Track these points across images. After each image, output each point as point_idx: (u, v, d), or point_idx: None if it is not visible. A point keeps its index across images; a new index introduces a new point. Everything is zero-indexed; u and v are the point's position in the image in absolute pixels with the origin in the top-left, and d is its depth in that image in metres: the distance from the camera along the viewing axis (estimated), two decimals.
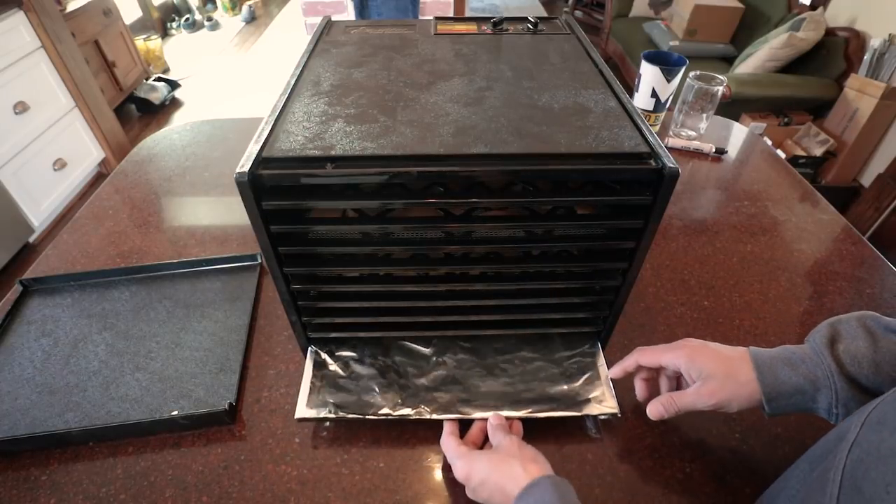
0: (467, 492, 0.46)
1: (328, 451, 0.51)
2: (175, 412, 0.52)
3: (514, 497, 0.40)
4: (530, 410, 0.52)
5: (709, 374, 0.45)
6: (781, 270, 0.72)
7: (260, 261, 0.71)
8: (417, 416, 0.52)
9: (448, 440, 0.48)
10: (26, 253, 1.91)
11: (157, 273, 0.70)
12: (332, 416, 0.51)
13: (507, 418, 0.51)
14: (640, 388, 0.52)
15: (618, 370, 0.52)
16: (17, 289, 0.67)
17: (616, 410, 0.51)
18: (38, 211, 1.94)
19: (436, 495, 0.48)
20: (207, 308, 0.65)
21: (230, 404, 0.52)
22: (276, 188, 0.41)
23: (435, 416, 0.51)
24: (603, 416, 0.52)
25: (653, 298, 0.67)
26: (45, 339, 0.61)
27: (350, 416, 0.51)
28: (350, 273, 0.52)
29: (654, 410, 0.47)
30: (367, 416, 0.51)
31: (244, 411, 0.54)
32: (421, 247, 0.47)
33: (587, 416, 0.52)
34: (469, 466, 0.45)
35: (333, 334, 0.56)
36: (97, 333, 0.62)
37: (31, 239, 1.95)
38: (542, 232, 0.49)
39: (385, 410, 0.52)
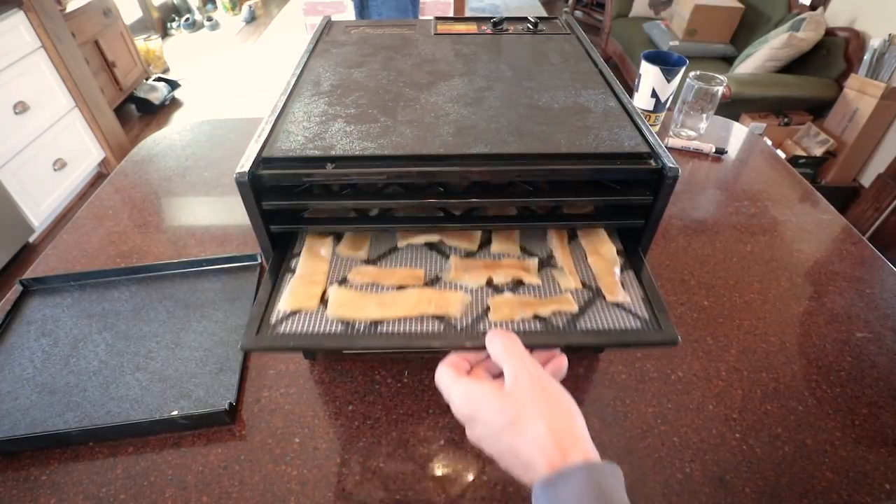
0: (468, 433, 0.33)
1: (328, 451, 0.51)
2: (175, 412, 0.52)
3: (538, 481, 0.29)
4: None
5: None
6: (781, 270, 0.72)
7: (260, 261, 0.71)
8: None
9: (443, 370, 0.34)
10: (26, 253, 1.91)
11: (157, 273, 0.70)
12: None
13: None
14: None
15: None
16: (17, 289, 0.67)
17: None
18: (38, 211, 1.94)
19: (436, 496, 0.48)
20: (207, 308, 0.65)
21: (230, 404, 0.52)
22: (276, 188, 0.41)
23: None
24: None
25: None
26: (45, 339, 0.61)
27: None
28: None
29: None
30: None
31: (244, 411, 0.54)
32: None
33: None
34: (472, 405, 0.31)
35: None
36: (97, 333, 0.62)
37: (31, 239, 1.95)
38: (542, 232, 0.49)
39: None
